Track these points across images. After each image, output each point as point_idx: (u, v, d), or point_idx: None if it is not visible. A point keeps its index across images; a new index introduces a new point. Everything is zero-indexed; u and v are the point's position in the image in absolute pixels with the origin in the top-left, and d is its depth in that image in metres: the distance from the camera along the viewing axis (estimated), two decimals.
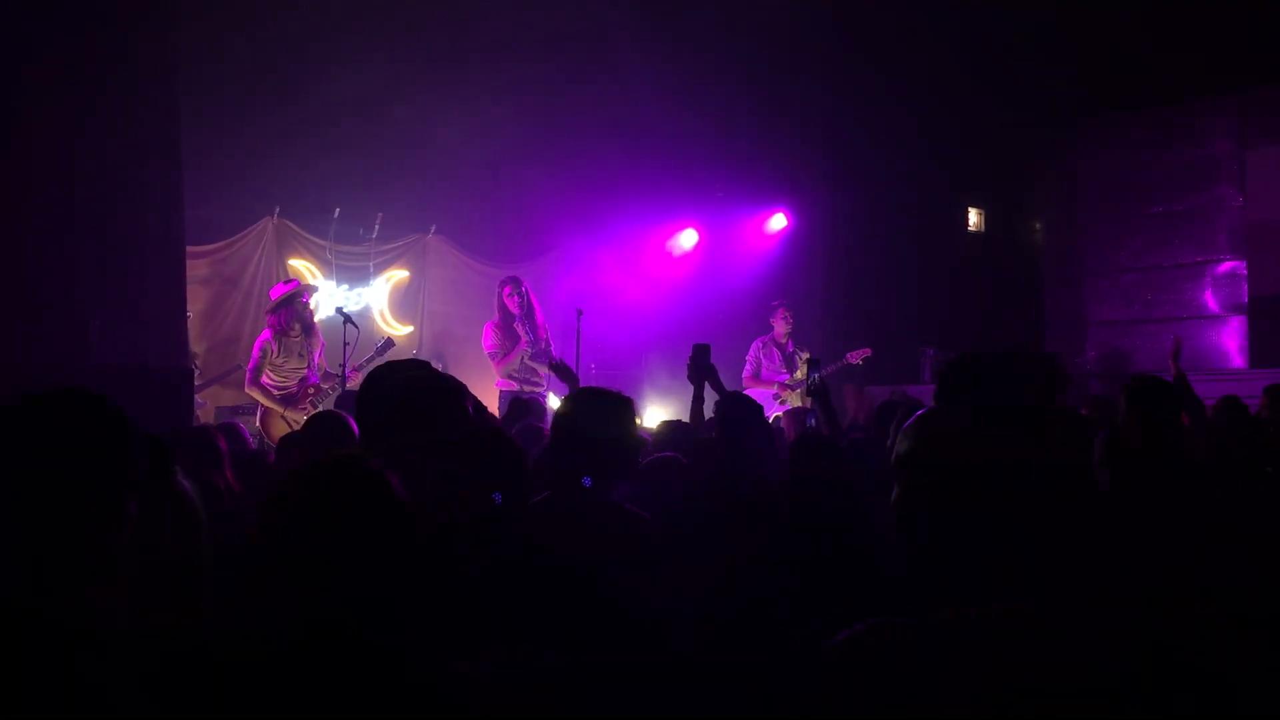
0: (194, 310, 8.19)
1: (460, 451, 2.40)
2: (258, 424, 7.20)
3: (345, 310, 7.78)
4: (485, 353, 7.94)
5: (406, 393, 2.47)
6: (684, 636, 2.40)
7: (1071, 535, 1.38)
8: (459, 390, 2.53)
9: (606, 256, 10.73)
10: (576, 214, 10.35)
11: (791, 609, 2.23)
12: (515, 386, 7.72)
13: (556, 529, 2.58)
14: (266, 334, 7.30)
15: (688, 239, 11.07)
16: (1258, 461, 4.18)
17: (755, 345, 8.69)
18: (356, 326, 7.54)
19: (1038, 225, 11.79)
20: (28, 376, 4.82)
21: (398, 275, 10.13)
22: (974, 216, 11.57)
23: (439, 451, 2.31)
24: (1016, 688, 1.27)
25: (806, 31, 8.93)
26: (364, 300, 9.72)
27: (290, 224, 9.44)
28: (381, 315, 9.98)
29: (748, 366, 8.61)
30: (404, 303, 10.19)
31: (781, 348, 8.63)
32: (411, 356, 7.56)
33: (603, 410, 2.81)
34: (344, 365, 7.21)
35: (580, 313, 7.52)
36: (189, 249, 7.13)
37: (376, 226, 9.66)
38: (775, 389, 8.45)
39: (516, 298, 7.81)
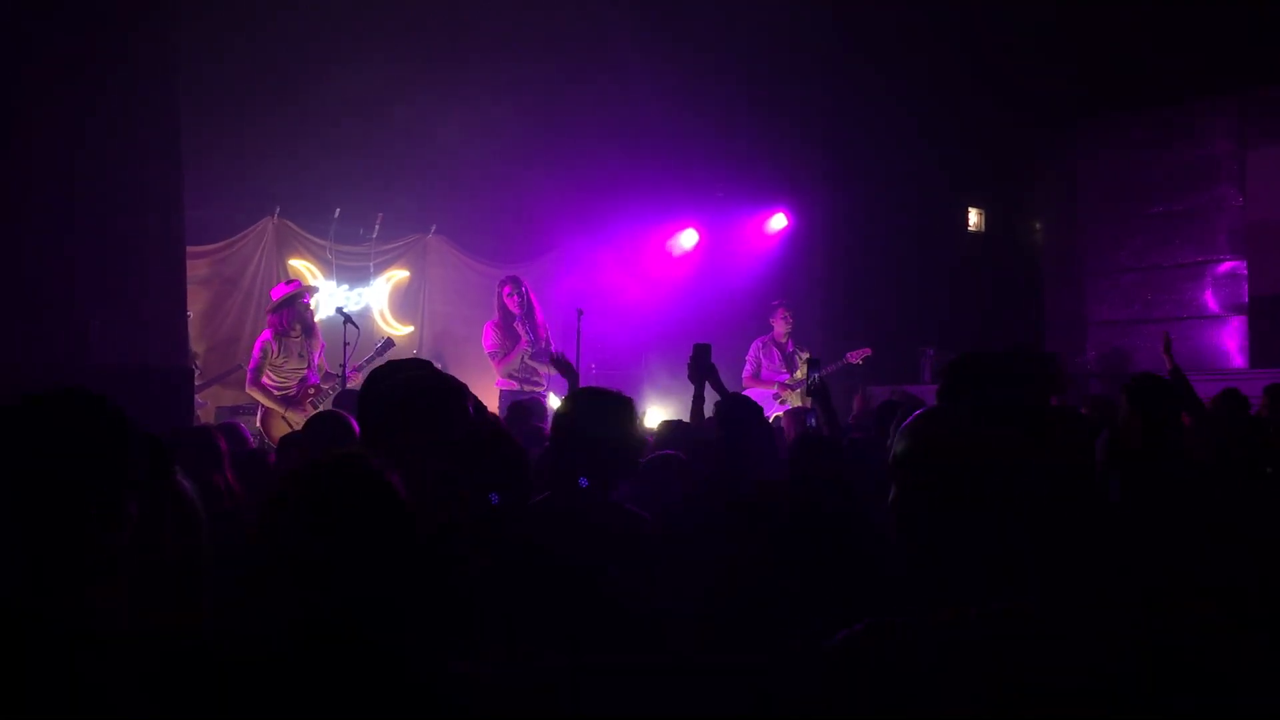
0: (194, 310, 8.19)
1: (460, 451, 2.40)
2: (258, 424, 7.20)
3: (345, 310, 7.78)
4: (485, 352, 7.95)
5: (407, 392, 2.47)
6: (684, 636, 2.40)
7: (1071, 535, 1.38)
8: (459, 390, 2.53)
9: (607, 256, 10.74)
10: (577, 214, 10.36)
11: (791, 609, 2.23)
12: (515, 386, 7.72)
13: (556, 529, 2.58)
14: (267, 334, 7.30)
15: (688, 239, 11.08)
16: (1258, 461, 4.18)
17: (755, 345, 8.69)
18: (357, 326, 7.55)
19: (1038, 225, 11.79)
20: (28, 376, 4.82)
21: (398, 275, 10.13)
22: (974, 216, 11.57)
23: (439, 451, 2.31)
24: (1016, 688, 1.27)
25: (806, 31, 8.92)
26: (364, 300, 9.73)
27: (290, 224, 9.45)
28: (382, 315, 9.98)
29: (748, 366, 8.61)
30: (404, 303, 10.19)
31: (781, 348, 8.63)
32: (412, 356, 7.56)
33: (603, 410, 2.81)
34: (344, 365, 7.21)
35: (580, 313, 7.52)
36: (189, 249, 7.13)
37: (377, 226, 9.67)
38: (775, 389, 8.45)
39: (516, 297, 7.81)
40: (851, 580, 2.27)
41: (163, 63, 6.38)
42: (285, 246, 9.44)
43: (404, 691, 1.44)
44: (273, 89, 7.93)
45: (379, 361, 3.99)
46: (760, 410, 3.99)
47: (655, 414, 9.47)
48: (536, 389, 7.70)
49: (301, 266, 9.48)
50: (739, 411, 3.83)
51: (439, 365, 2.86)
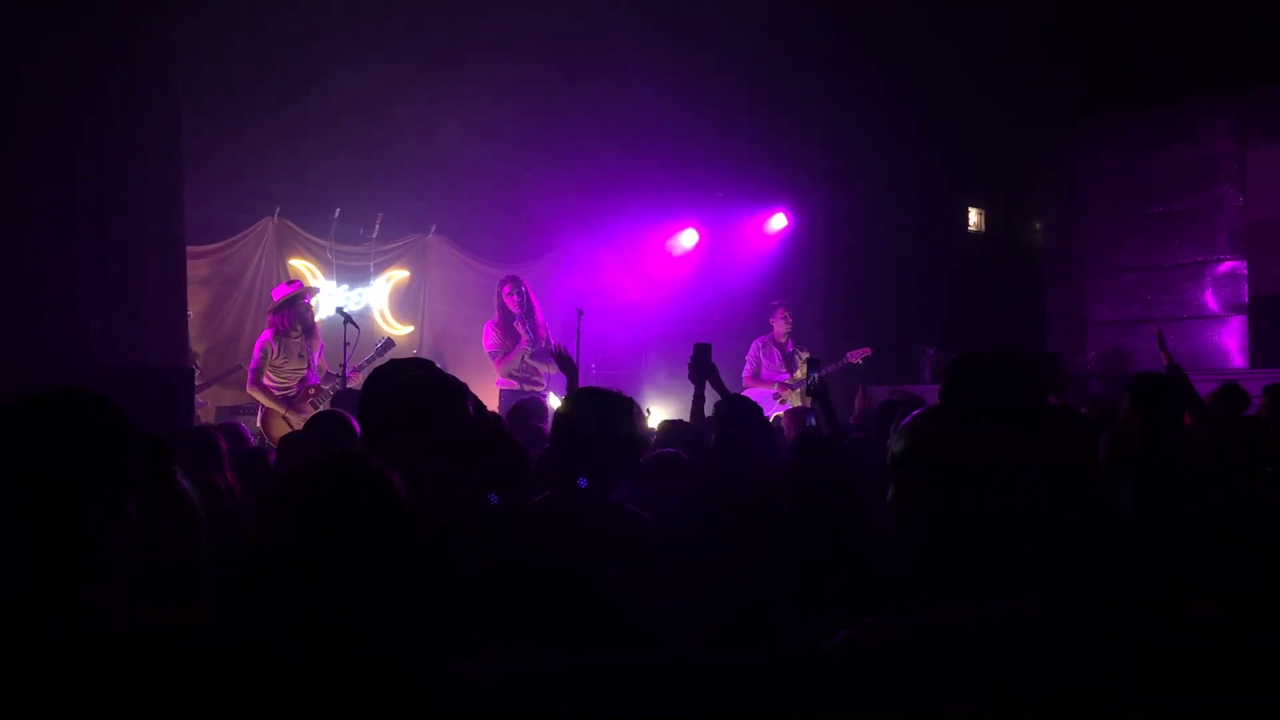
0: (194, 310, 8.19)
1: (460, 451, 2.40)
2: (258, 424, 7.20)
3: (345, 310, 7.78)
4: (486, 352, 7.95)
5: (407, 392, 2.47)
6: (684, 636, 2.40)
7: (1071, 535, 1.38)
8: (459, 390, 2.53)
9: (607, 256, 10.74)
10: (577, 214, 10.36)
11: (791, 609, 2.23)
12: (515, 386, 7.72)
13: (556, 529, 2.58)
14: (267, 334, 7.30)
15: (688, 239, 11.08)
16: (1258, 461, 4.18)
17: (755, 345, 8.69)
18: (357, 326, 7.55)
19: (1038, 225, 11.79)
20: (28, 376, 4.82)
21: (398, 275, 10.14)
22: (974, 216, 11.57)
23: (439, 451, 2.31)
24: (1016, 688, 1.27)
25: (806, 31, 8.92)
26: (364, 300, 9.73)
27: (291, 224, 9.45)
28: (382, 315, 9.98)
29: (748, 366, 8.62)
30: (404, 303, 10.19)
31: (781, 347, 8.63)
32: (413, 356, 7.56)
33: (603, 410, 2.81)
34: (344, 365, 7.21)
35: (581, 313, 7.52)
36: (189, 249, 7.13)
37: (377, 226, 9.67)
38: (775, 389, 8.45)
39: (516, 296, 7.81)
40: (851, 580, 2.27)
41: (163, 63, 6.38)
42: (285, 246, 9.44)
43: (404, 691, 1.43)
44: (273, 89, 7.93)
45: (379, 361, 3.99)
46: (760, 410, 3.99)
47: (655, 414, 9.47)
48: (536, 389, 7.70)
49: (302, 266, 9.48)
50: (739, 411, 3.84)
51: (439, 365, 2.86)
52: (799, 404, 7.80)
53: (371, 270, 9.83)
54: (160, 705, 1.41)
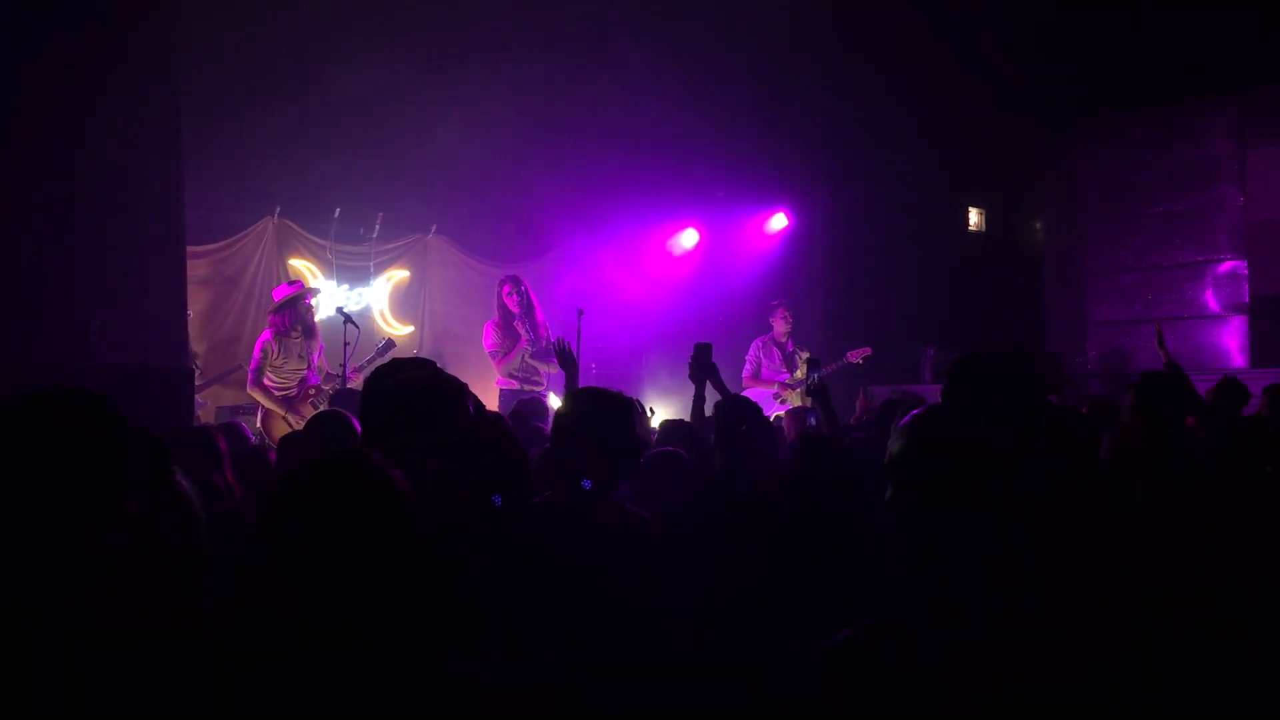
0: (194, 310, 8.19)
1: (460, 451, 2.40)
2: (259, 424, 7.20)
3: (346, 310, 7.78)
4: (486, 352, 7.95)
5: (408, 392, 2.47)
6: (684, 636, 2.40)
7: (1071, 535, 1.38)
8: (459, 390, 2.53)
9: (607, 256, 10.74)
10: (577, 213, 10.35)
11: (791, 609, 2.23)
12: (516, 385, 7.72)
13: (556, 529, 2.58)
14: (267, 334, 7.30)
15: (688, 239, 11.08)
16: (1258, 461, 4.18)
17: (755, 345, 8.69)
18: (357, 326, 7.54)
19: (1038, 225, 11.79)
20: (28, 376, 4.82)
21: (398, 275, 10.13)
22: (974, 216, 11.57)
23: (439, 451, 2.31)
24: (1016, 688, 1.27)
25: (806, 31, 8.92)
26: (364, 300, 9.73)
27: (291, 224, 9.45)
28: (382, 315, 9.98)
29: (748, 366, 8.61)
30: (404, 302, 10.19)
31: (781, 347, 8.63)
32: (414, 356, 7.56)
33: (603, 410, 2.81)
34: (344, 365, 7.21)
35: (581, 312, 7.52)
36: (189, 249, 7.13)
37: (377, 226, 9.67)
38: (775, 388, 8.45)
39: (516, 296, 7.81)
40: (851, 580, 2.27)
41: (163, 63, 6.38)
42: (285, 246, 9.44)
43: (404, 691, 1.43)
44: (273, 89, 7.93)
45: (379, 362, 3.99)
46: (759, 409, 3.99)
47: (658, 413, 9.47)
48: (537, 388, 7.69)
49: (302, 266, 9.48)
50: (739, 410, 3.84)
51: (439, 365, 2.86)
52: (799, 404, 7.79)
53: (371, 270, 9.83)
54: (160, 705, 1.41)
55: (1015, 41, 9.08)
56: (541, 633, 2.22)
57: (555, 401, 6.98)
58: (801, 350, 8.54)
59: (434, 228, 10.26)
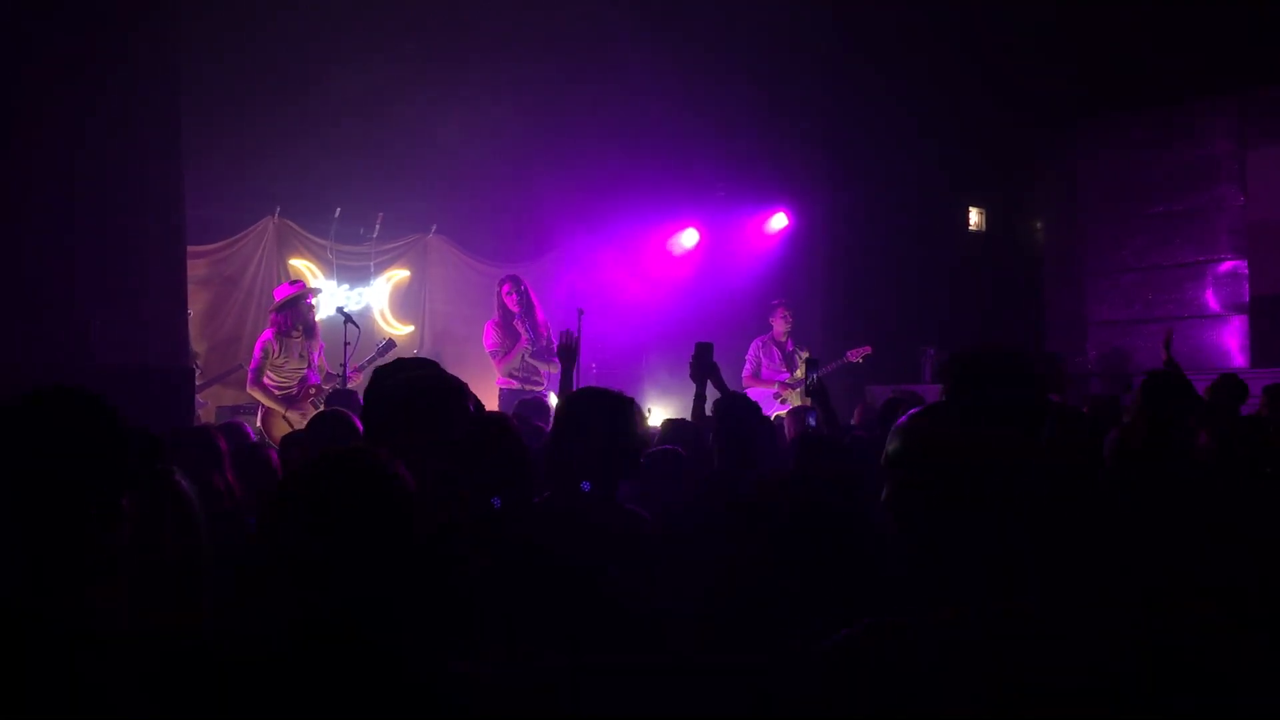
0: (194, 310, 8.19)
1: (461, 451, 2.40)
2: (259, 424, 7.19)
3: (346, 310, 7.78)
4: (486, 351, 7.94)
5: (409, 392, 2.47)
6: (684, 636, 2.40)
7: (1071, 535, 1.38)
8: (460, 390, 2.53)
9: (607, 256, 10.74)
10: (577, 213, 10.36)
11: (791, 609, 2.23)
12: (516, 385, 7.72)
13: (556, 529, 2.58)
14: (268, 333, 7.30)
15: (688, 238, 11.08)
16: (1258, 461, 4.17)
17: (755, 344, 8.69)
18: (357, 326, 7.55)
19: (1038, 225, 11.79)
20: (28, 376, 4.81)
21: (398, 275, 10.14)
22: (974, 216, 11.57)
23: (439, 451, 2.31)
24: (1016, 688, 1.27)
25: (806, 31, 8.92)
26: (365, 300, 9.73)
27: (291, 224, 9.45)
28: (382, 315, 9.98)
29: (748, 366, 8.61)
30: (405, 302, 10.19)
31: (781, 346, 8.63)
32: (416, 356, 7.56)
33: (603, 410, 2.81)
34: (344, 365, 7.21)
35: (581, 312, 7.52)
36: (189, 249, 7.13)
37: (377, 226, 9.67)
38: (775, 388, 8.45)
39: (515, 295, 7.81)
40: (851, 580, 2.27)
41: (163, 63, 6.38)
42: (286, 246, 9.45)
43: (404, 691, 1.43)
44: (273, 89, 7.93)
45: (380, 362, 3.99)
46: (759, 408, 4.00)
47: (655, 414, 9.47)
48: (537, 388, 7.69)
49: (302, 266, 9.48)
50: (738, 408, 3.84)
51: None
52: (799, 404, 7.79)
53: (372, 270, 9.83)
54: (160, 705, 1.41)
55: (1015, 41, 9.08)
56: (541, 633, 2.22)
57: (555, 401, 6.98)
58: (801, 350, 8.53)
59: (434, 227, 10.27)
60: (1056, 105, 10.54)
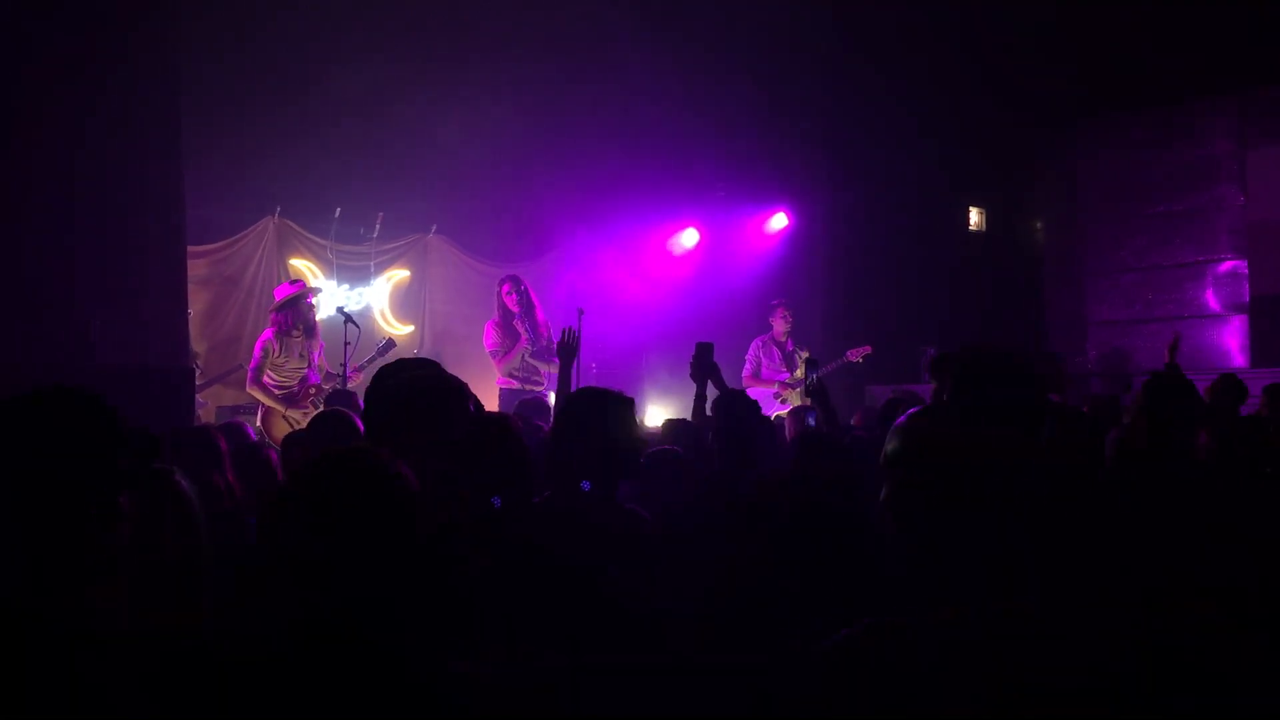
0: (195, 310, 8.19)
1: (461, 451, 2.40)
2: (259, 423, 7.19)
3: (346, 310, 7.78)
4: (486, 351, 7.95)
5: (410, 392, 2.48)
6: (684, 636, 2.40)
7: (1071, 535, 1.38)
8: (460, 390, 2.53)
9: (607, 256, 10.74)
10: (577, 213, 10.36)
11: (791, 609, 2.23)
12: (516, 385, 7.71)
13: (556, 529, 2.58)
14: (268, 333, 7.30)
15: (688, 238, 11.08)
16: (1258, 461, 4.17)
17: (755, 344, 8.69)
18: (358, 326, 7.54)
19: (1038, 225, 11.79)
20: (28, 376, 4.81)
21: (399, 275, 10.14)
22: (974, 216, 11.57)
23: (440, 451, 2.31)
24: (1016, 688, 1.27)
25: (806, 31, 8.93)
26: (365, 300, 9.73)
27: (291, 223, 9.45)
28: (382, 315, 9.99)
29: (747, 365, 8.61)
30: (405, 302, 10.19)
31: (781, 346, 8.63)
32: (417, 356, 7.56)
33: (603, 410, 2.81)
34: (344, 365, 7.21)
35: (581, 312, 7.52)
36: (189, 249, 7.13)
37: (377, 226, 9.67)
38: (775, 388, 8.45)
39: (515, 295, 7.80)
40: (851, 580, 2.27)
41: (163, 63, 6.38)
42: (286, 246, 9.45)
43: (404, 691, 1.43)
44: (273, 89, 7.93)
45: (380, 362, 4.00)
46: (758, 406, 4.00)
47: (656, 413, 9.47)
48: (537, 388, 7.69)
49: (302, 266, 9.48)
50: (737, 405, 3.84)
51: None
52: (799, 404, 7.79)
53: (372, 270, 9.83)
54: (160, 705, 1.41)
55: (1015, 41, 9.09)
56: (541, 633, 2.22)
57: (554, 400, 6.98)
58: (801, 350, 8.53)
59: (434, 227, 10.27)
60: (1056, 105, 10.54)
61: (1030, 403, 2.18)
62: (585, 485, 2.66)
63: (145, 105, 6.27)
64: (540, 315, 7.95)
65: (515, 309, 7.78)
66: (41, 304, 5.80)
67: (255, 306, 9.07)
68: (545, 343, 7.77)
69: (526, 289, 7.91)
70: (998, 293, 10.96)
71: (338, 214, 9.36)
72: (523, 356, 7.79)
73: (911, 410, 1.52)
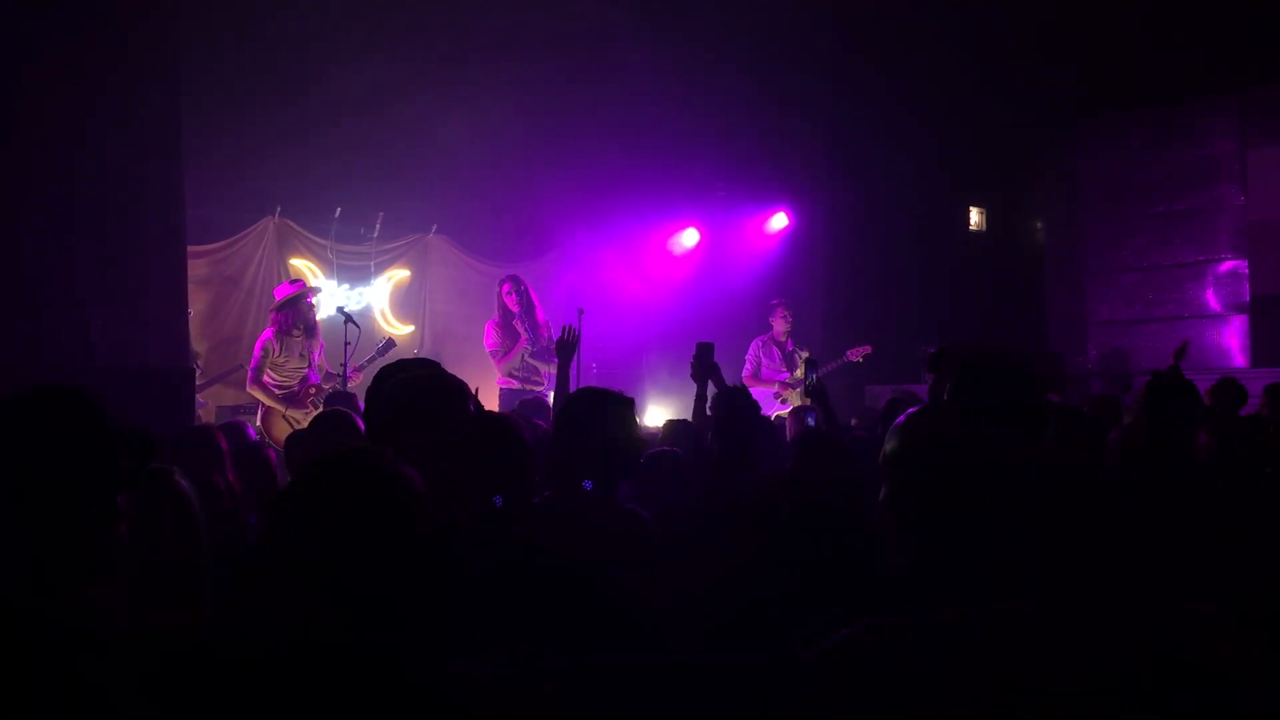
0: (195, 310, 8.19)
1: (461, 451, 2.40)
2: (259, 423, 7.19)
3: (346, 310, 7.78)
4: (486, 351, 7.95)
5: (410, 392, 2.48)
6: (684, 636, 2.40)
7: (1071, 535, 1.38)
8: (460, 390, 2.53)
9: (608, 255, 10.74)
10: (578, 213, 10.36)
11: (791, 609, 2.23)
12: (516, 385, 7.71)
13: (557, 529, 2.58)
14: (269, 333, 7.30)
15: (689, 238, 11.08)
16: (1258, 461, 4.17)
17: (755, 344, 8.69)
18: (358, 326, 7.54)
19: (1038, 225, 11.80)
20: (28, 376, 4.81)
21: (399, 275, 10.14)
22: (975, 216, 11.57)
23: (440, 451, 2.31)
24: (1016, 688, 1.27)
25: (807, 31, 8.93)
26: (365, 300, 9.73)
27: (291, 223, 9.45)
28: (383, 314, 9.99)
29: (747, 365, 8.61)
30: (405, 302, 10.19)
31: (781, 346, 8.63)
32: (418, 356, 7.56)
33: (603, 410, 2.81)
34: (345, 365, 7.21)
35: (582, 312, 7.52)
36: (190, 248, 7.13)
37: (378, 226, 9.67)
38: (775, 388, 8.45)
39: (515, 295, 7.80)
40: (851, 580, 2.27)
41: (163, 63, 6.38)
42: (286, 246, 9.45)
43: (404, 691, 1.43)
44: (273, 89, 7.94)
45: (380, 362, 3.99)
46: (758, 405, 4.00)
47: (656, 413, 9.47)
48: (537, 388, 7.69)
49: (302, 266, 9.48)
50: (737, 400, 3.84)
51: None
52: (799, 403, 7.79)
53: (372, 270, 9.83)
54: (160, 705, 1.41)
55: (1015, 41, 9.09)
56: (541, 633, 2.22)
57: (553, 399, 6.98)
58: (801, 350, 8.53)
59: (434, 227, 10.27)
60: (1056, 105, 10.55)
61: (1030, 403, 2.18)
62: (586, 485, 2.66)
63: (145, 105, 6.27)
64: (540, 315, 7.95)
65: (515, 309, 7.78)
66: (41, 304, 5.80)
67: (255, 306, 9.07)
68: (545, 343, 7.76)
69: (527, 289, 7.91)
70: (998, 293, 10.97)
71: (338, 214, 9.36)
72: (523, 356, 7.78)
73: (911, 410, 1.51)
